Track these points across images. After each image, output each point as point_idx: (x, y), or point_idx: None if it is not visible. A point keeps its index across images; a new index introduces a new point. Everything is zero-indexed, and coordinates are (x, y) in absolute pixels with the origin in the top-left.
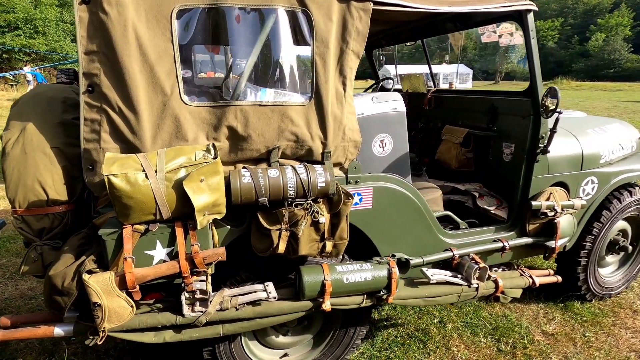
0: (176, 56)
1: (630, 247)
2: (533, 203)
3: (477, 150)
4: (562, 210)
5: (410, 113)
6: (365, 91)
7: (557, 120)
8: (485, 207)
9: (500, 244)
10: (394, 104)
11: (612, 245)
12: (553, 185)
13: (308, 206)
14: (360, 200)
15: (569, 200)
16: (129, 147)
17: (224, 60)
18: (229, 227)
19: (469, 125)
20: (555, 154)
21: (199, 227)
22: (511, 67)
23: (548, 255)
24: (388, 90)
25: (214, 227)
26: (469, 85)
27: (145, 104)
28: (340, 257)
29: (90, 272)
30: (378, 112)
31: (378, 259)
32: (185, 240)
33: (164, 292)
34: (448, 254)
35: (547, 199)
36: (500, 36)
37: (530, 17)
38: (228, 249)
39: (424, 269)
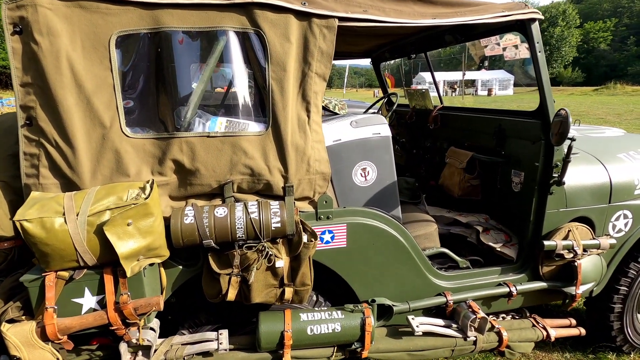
0: (116, 86)
1: None
2: (545, 243)
3: (484, 177)
4: (585, 250)
5: (417, 131)
6: (372, 105)
7: (570, 148)
8: (491, 243)
9: (506, 289)
10: (376, 128)
11: None
12: (573, 220)
13: (262, 248)
14: (333, 238)
15: (593, 238)
16: (67, 182)
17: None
18: (180, 267)
19: (475, 148)
20: (576, 184)
21: (128, 275)
22: (557, 72)
23: (568, 303)
24: (393, 104)
25: (162, 268)
26: (509, 91)
27: (83, 137)
28: (314, 300)
29: (12, 320)
30: (358, 137)
31: (351, 306)
32: (116, 288)
33: (111, 337)
34: (440, 300)
35: (565, 238)
36: (504, 49)
37: (535, 27)
38: (185, 288)
39: (411, 317)
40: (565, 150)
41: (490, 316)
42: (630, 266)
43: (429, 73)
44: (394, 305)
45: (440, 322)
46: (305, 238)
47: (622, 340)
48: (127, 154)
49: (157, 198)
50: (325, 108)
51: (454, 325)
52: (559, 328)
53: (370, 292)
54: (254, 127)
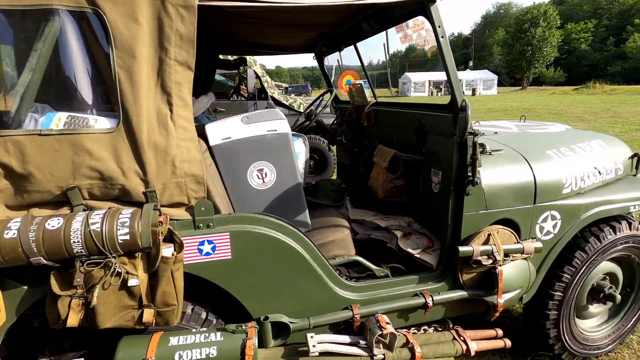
0: None
1: (618, 296)
2: (460, 249)
3: (409, 177)
4: (507, 256)
5: (356, 128)
6: (312, 103)
7: (474, 144)
8: (409, 249)
9: (421, 300)
10: (271, 125)
11: (596, 292)
12: (496, 223)
13: (111, 264)
14: (214, 249)
15: (517, 242)
16: None
17: None
18: (25, 287)
19: (401, 145)
20: (496, 183)
21: None
22: (539, 71)
23: (490, 314)
24: (340, 101)
25: None
26: (493, 91)
27: None
28: (202, 318)
29: None
30: (250, 135)
31: (233, 326)
32: None
33: None
34: (345, 314)
35: (486, 242)
36: (415, 36)
37: (435, 8)
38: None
39: (310, 335)
40: (478, 146)
41: (412, 329)
42: (565, 270)
43: (415, 73)
44: (291, 323)
45: (346, 339)
46: (168, 251)
47: (560, 348)
48: None
49: None
50: (289, 107)
51: (362, 342)
52: (482, 340)
53: (265, 308)
54: (103, 124)
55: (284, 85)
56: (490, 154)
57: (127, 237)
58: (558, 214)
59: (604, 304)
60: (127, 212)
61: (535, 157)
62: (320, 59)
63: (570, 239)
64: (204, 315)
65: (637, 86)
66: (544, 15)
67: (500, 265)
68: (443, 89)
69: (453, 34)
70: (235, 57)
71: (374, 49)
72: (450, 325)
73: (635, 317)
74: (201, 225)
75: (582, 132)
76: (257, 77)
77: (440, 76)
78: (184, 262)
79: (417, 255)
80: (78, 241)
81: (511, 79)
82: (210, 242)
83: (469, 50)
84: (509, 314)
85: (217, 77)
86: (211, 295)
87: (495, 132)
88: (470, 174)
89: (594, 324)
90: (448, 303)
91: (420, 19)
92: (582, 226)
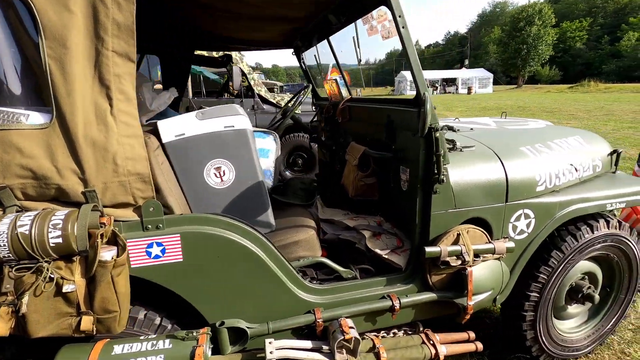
0: None
1: (597, 296)
2: (427, 249)
3: (381, 175)
4: (478, 256)
5: (333, 125)
6: (290, 100)
7: (436, 139)
8: (377, 250)
9: (388, 302)
10: (228, 120)
11: (574, 292)
12: (466, 222)
13: (42, 269)
14: (163, 251)
15: (488, 242)
16: None
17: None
18: None
19: (373, 142)
20: (465, 181)
21: None
22: (534, 70)
23: (461, 316)
24: (320, 98)
25: None
26: (489, 90)
27: None
28: (155, 324)
29: None
30: (206, 131)
31: (183, 333)
32: None
33: None
34: (307, 318)
35: (455, 242)
36: (380, 27)
37: None
38: None
39: (269, 340)
40: (445, 142)
41: (382, 332)
42: (541, 270)
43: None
44: (249, 328)
45: (308, 344)
46: (109, 254)
47: (537, 350)
48: None
49: None
50: (276, 105)
51: (325, 348)
52: (453, 344)
53: (222, 313)
54: (35, 119)
55: (279, 83)
56: (460, 150)
57: (60, 240)
58: (531, 212)
59: (583, 304)
60: (61, 213)
61: (507, 153)
62: (298, 55)
63: (545, 238)
64: (158, 320)
65: (631, 84)
66: (539, 13)
67: (470, 266)
68: (438, 87)
69: (449, 32)
70: (220, 54)
71: (368, 46)
72: (421, 329)
73: (616, 318)
74: (150, 226)
75: (561, 129)
76: (244, 74)
77: (436, 75)
78: (132, 266)
79: (385, 256)
80: (4, 245)
81: (507, 77)
82: (159, 244)
83: (465, 48)
84: (490, 314)
85: (211, 75)
86: (169, 300)
87: (471, 129)
88: (436, 171)
89: (573, 325)
90: (417, 305)
91: (384, 9)
92: (558, 225)
